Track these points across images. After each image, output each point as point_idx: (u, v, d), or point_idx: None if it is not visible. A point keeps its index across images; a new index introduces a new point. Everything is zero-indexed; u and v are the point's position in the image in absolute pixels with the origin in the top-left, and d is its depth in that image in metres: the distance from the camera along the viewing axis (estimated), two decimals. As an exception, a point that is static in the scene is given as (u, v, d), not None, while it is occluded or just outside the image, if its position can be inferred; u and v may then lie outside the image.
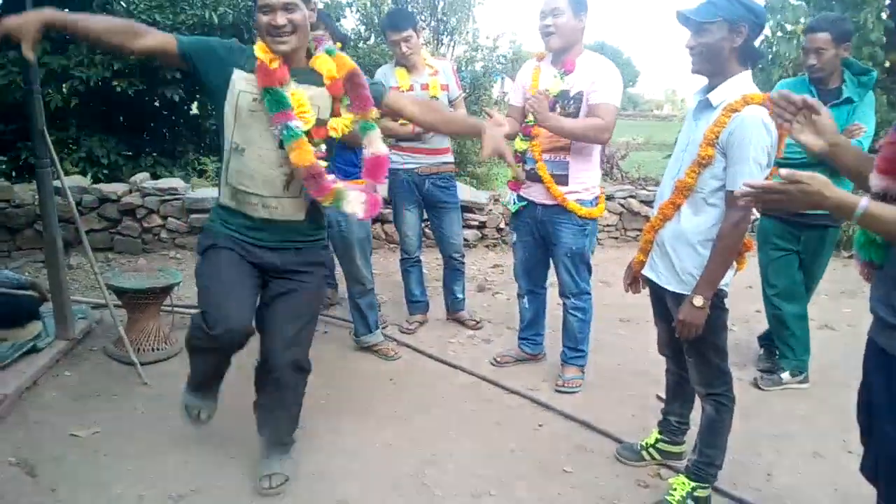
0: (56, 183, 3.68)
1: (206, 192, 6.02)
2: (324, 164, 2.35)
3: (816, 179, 1.49)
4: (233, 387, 2.85)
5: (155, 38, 2.28)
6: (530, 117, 3.31)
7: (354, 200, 2.37)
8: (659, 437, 2.85)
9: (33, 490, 2.58)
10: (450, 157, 4.25)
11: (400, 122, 3.75)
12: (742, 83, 2.27)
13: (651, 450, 2.85)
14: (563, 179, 3.32)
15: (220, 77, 2.31)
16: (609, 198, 6.81)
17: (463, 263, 4.38)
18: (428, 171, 4.13)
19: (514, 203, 3.53)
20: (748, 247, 2.40)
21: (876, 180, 1.60)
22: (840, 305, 4.97)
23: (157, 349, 3.75)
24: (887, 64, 6.91)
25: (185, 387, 2.74)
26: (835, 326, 4.57)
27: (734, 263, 2.37)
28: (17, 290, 3.68)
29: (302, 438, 2.88)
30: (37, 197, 4.38)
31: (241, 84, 2.29)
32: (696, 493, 2.51)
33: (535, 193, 3.42)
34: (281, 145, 2.29)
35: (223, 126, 2.35)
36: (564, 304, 3.59)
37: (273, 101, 2.25)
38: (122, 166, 6.72)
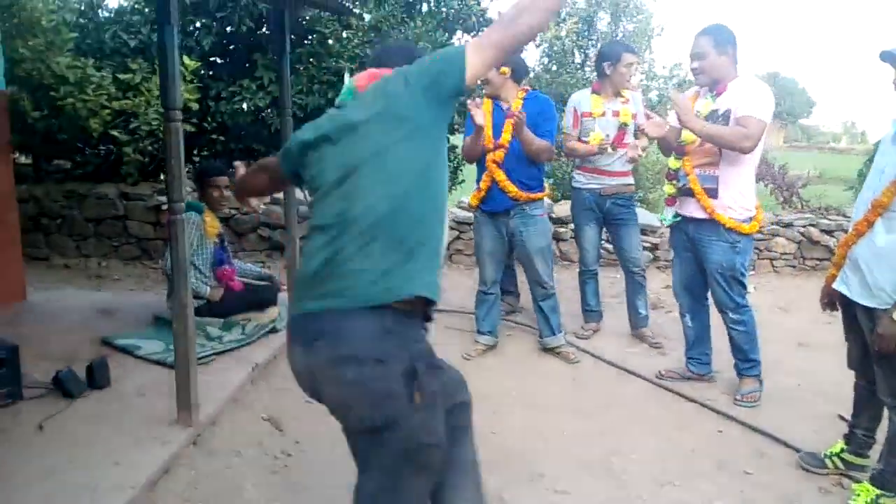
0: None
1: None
2: None
3: None
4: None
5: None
6: (683, 136, 3.55)
7: None
8: (845, 447, 2.94)
9: (282, 441, 3.15)
10: (630, 180, 4.56)
11: (592, 138, 4.24)
12: (943, 111, 2.40)
13: (835, 458, 2.94)
14: (713, 192, 3.48)
15: None
16: (787, 225, 6.73)
17: (644, 278, 4.60)
18: (610, 192, 4.47)
19: (669, 219, 3.75)
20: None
21: None
22: None
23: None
24: None
25: None
26: None
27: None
28: (259, 280, 4.41)
29: (496, 420, 3.28)
30: (261, 206, 5.02)
31: None
32: (880, 501, 2.60)
33: (688, 208, 3.61)
34: None
35: None
36: (723, 318, 3.69)
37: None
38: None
